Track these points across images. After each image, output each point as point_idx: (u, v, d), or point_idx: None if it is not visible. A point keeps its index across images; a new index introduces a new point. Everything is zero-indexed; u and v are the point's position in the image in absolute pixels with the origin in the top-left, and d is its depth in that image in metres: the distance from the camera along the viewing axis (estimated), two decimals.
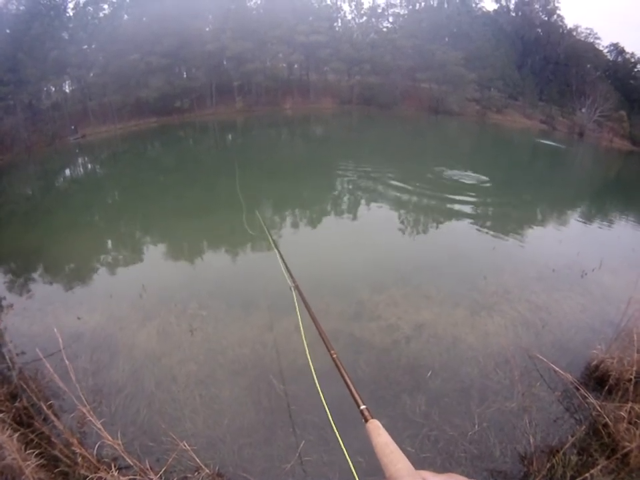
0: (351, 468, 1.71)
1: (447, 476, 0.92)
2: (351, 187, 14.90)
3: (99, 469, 3.36)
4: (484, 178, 15.85)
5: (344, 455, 1.82)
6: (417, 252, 9.13)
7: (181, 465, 3.61)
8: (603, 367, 4.70)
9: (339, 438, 1.91)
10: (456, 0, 46.83)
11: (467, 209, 12.22)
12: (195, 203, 13.11)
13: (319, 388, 2.35)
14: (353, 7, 48.42)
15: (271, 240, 6.69)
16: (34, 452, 3.51)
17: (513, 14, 49.31)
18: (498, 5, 49.66)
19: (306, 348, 2.83)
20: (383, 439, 1.13)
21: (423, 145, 27.74)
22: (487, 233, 10.46)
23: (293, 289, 3.43)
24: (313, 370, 2.54)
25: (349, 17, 48.88)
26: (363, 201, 12.83)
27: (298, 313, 3.19)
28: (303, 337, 3.03)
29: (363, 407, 1.34)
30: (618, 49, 47.97)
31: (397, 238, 9.88)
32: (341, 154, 21.57)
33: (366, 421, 1.27)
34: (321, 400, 2.24)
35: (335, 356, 1.81)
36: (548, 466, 3.58)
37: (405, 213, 11.95)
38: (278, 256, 4.54)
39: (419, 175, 16.88)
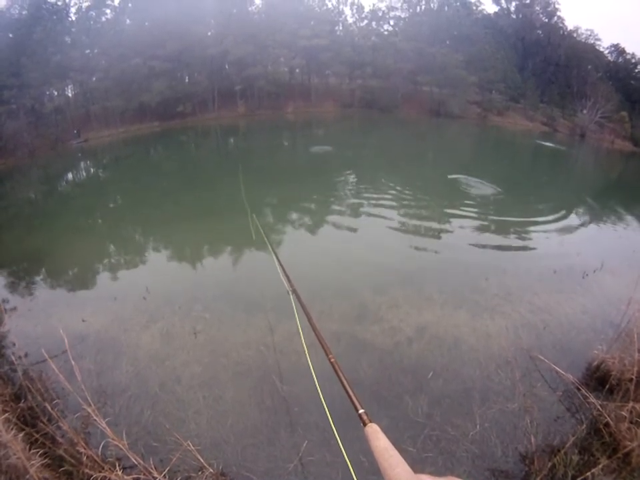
0: (350, 469, 1.74)
1: (446, 479, 0.95)
2: (352, 190, 14.92)
3: (103, 469, 3.39)
4: (487, 182, 15.87)
5: (344, 456, 1.85)
6: (419, 254, 9.15)
7: (185, 464, 3.64)
8: (603, 367, 4.72)
9: (338, 439, 1.94)
10: (456, 3, 46.89)
11: (468, 211, 12.22)
12: (197, 207, 13.15)
13: (319, 390, 2.38)
14: (354, 10, 48.58)
15: (269, 245, 6.73)
16: (38, 451, 3.55)
17: (514, 16, 49.30)
18: (498, 7, 49.71)
19: (306, 351, 2.85)
20: (382, 443, 1.14)
21: (425, 149, 27.76)
22: (488, 234, 10.47)
23: (290, 293, 3.44)
24: (313, 372, 2.56)
25: (350, 20, 49.00)
26: (364, 204, 12.84)
27: (296, 317, 3.20)
28: (303, 340, 3.05)
29: (361, 410, 1.36)
30: (618, 50, 47.91)
31: (398, 241, 9.88)
32: (342, 158, 21.59)
33: (364, 424, 1.28)
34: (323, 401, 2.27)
35: (332, 360, 1.83)
36: (549, 465, 3.60)
37: (406, 215, 11.96)
38: (275, 260, 4.58)
39: (421, 179, 16.95)
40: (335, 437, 1.96)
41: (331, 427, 2.05)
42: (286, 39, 40.72)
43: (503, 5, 49.55)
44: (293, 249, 9.37)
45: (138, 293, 7.04)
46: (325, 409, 2.21)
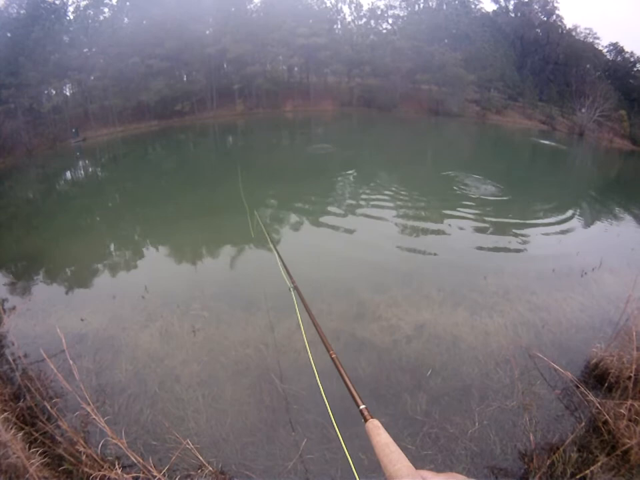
0: (351, 466, 1.74)
1: (447, 475, 0.94)
2: (351, 190, 14.92)
3: (102, 467, 3.39)
4: (486, 180, 15.88)
5: (345, 452, 1.84)
6: (418, 254, 9.14)
7: (184, 462, 3.65)
8: (602, 365, 4.73)
9: (340, 435, 1.94)
10: (454, 1, 46.84)
11: (467, 210, 12.22)
12: (195, 205, 13.12)
13: (320, 386, 2.37)
14: (353, 9, 48.44)
15: (269, 241, 6.73)
16: (38, 451, 3.55)
17: (512, 14, 49.19)
18: (497, 5, 49.57)
19: (307, 347, 2.83)
20: (383, 439, 1.14)
21: (424, 147, 27.74)
22: (487, 233, 10.47)
23: (291, 289, 3.44)
24: (314, 369, 2.54)
25: (349, 19, 48.90)
26: (363, 203, 12.83)
27: (298, 313, 3.17)
28: (304, 336, 3.03)
29: (362, 406, 1.36)
30: (617, 49, 47.85)
31: (397, 240, 9.88)
32: (341, 157, 21.57)
33: (365, 420, 1.28)
34: (323, 398, 2.25)
35: (334, 356, 1.83)
36: (548, 463, 3.61)
37: (405, 214, 11.96)
38: (277, 257, 4.57)
39: (420, 177, 16.95)
40: (336, 433, 1.97)
41: (331, 424, 2.05)
42: (284, 37, 40.60)
43: (501, 4, 49.41)
44: (291, 249, 9.35)
45: (137, 292, 7.03)
46: (325, 404, 2.19)
